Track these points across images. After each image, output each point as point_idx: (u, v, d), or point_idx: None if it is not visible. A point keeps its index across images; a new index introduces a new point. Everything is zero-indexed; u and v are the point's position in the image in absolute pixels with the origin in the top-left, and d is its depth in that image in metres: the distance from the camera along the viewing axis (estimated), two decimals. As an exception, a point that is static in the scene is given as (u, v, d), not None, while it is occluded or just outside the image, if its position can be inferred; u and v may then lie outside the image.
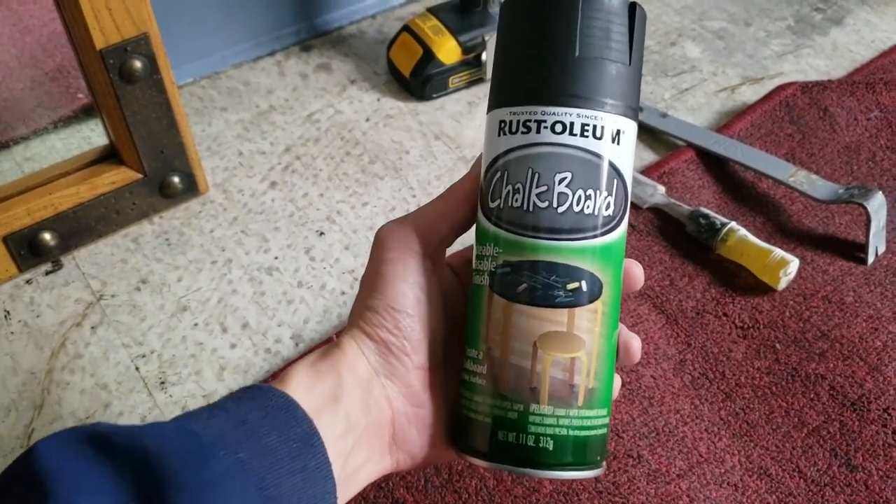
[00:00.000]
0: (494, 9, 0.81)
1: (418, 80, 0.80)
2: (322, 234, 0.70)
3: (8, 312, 0.64)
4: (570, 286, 0.36)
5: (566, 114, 0.36)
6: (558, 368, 0.37)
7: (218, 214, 0.71)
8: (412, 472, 0.53)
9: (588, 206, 0.36)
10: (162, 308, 0.64)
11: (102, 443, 0.31)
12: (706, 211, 0.67)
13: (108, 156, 0.68)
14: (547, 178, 0.36)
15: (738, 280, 0.65)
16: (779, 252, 0.63)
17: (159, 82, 0.63)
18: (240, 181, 0.74)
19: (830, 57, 0.86)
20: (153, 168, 0.68)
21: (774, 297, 0.64)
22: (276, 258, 0.68)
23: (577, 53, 0.36)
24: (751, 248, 0.64)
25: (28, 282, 0.66)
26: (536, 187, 0.36)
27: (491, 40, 0.80)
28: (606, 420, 0.39)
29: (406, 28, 0.81)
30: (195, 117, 0.80)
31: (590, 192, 0.36)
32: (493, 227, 0.38)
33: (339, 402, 0.37)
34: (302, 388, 0.36)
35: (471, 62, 0.80)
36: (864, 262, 0.66)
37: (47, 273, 0.67)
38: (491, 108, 0.39)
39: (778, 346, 0.61)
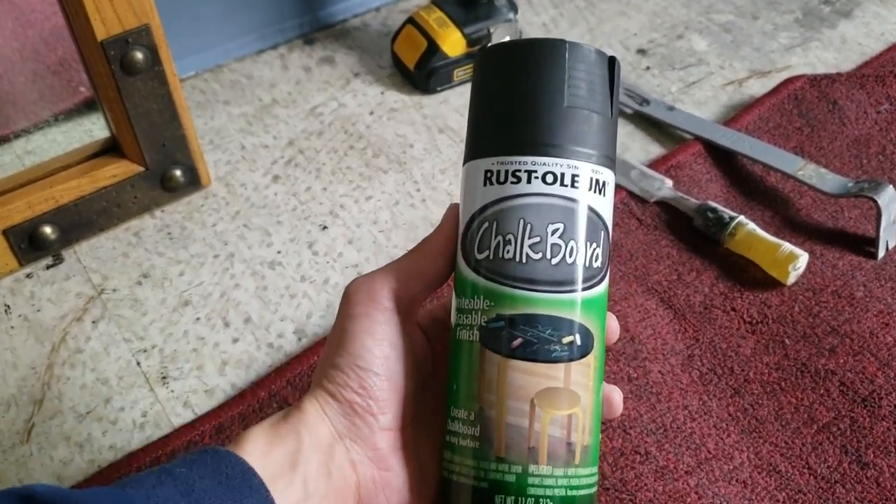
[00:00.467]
0: (500, 0, 0.80)
1: (423, 73, 0.79)
2: (325, 228, 0.69)
3: (8, 307, 0.64)
4: (566, 340, 0.36)
5: (557, 164, 0.36)
6: (556, 426, 0.35)
7: (220, 208, 0.71)
8: None
9: (580, 258, 0.36)
10: (163, 302, 0.64)
11: None
12: (714, 205, 0.66)
13: (110, 149, 0.67)
14: (539, 229, 0.36)
15: (747, 275, 0.64)
16: (788, 246, 0.62)
17: (161, 74, 0.63)
18: (242, 175, 0.73)
19: (839, 50, 0.85)
20: (155, 161, 0.67)
21: (783, 292, 0.63)
22: (279, 252, 0.67)
23: (564, 104, 0.36)
24: (759, 242, 0.64)
25: (29, 276, 0.66)
26: (529, 238, 0.36)
27: (497, 32, 0.79)
28: (596, 478, 0.38)
29: (410, 20, 0.80)
30: (198, 111, 0.79)
31: (581, 243, 0.36)
32: (481, 280, 0.36)
33: (296, 467, 0.35)
34: (258, 452, 0.34)
35: (476, 55, 0.79)
36: (874, 256, 0.65)
37: (48, 267, 0.66)
38: (471, 157, 0.38)
39: (787, 341, 0.60)
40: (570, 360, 0.36)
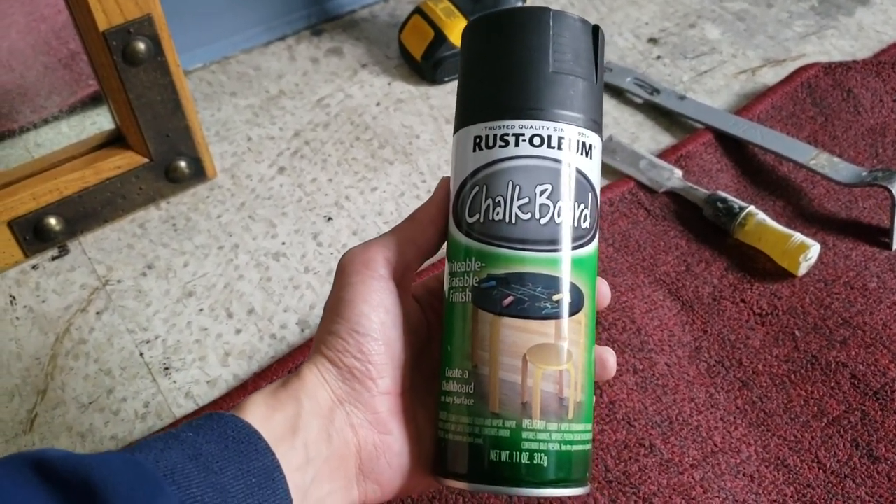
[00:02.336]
0: (507, -10, 0.79)
1: (430, 64, 0.78)
2: (330, 219, 0.69)
3: (13, 298, 0.64)
4: (556, 297, 0.36)
5: (543, 127, 0.37)
6: (549, 382, 0.36)
7: (225, 200, 0.70)
8: None
9: (568, 218, 0.37)
10: (167, 293, 0.64)
11: (47, 472, 0.30)
12: (724, 195, 0.65)
13: (115, 140, 0.67)
14: (528, 190, 0.37)
15: (757, 265, 0.63)
16: (799, 237, 0.61)
17: (164, 64, 0.62)
18: (248, 166, 0.73)
19: (856, 38, 0.83)
20: (159, 152, 0.67)
21: (794, 283, 0.62)
22: (284, 244, 0.67)
23: (550, 69, 0.37)
24: (770, 232, 0.62)
25: (34, 267, 0.66)
26: (518, 199, 0.37)
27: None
28: (591, 435, 0.38)
29: (418, 10, 0.80)
30: (204, 102, 0.79)
31: (569, 203, 0.37)
32: (473, 242, 0.37)
33: (297, 432, 0.35)
34: (260, 417, 0.35)
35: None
36: (888, 246, 0.64)
37: (53, 258, 0.66)
38: (461, 125, 0.39)
39: (797, 333, 0.59)
40: (561, 317, 0.36)
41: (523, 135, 0.37)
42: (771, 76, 0.79)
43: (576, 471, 0.37)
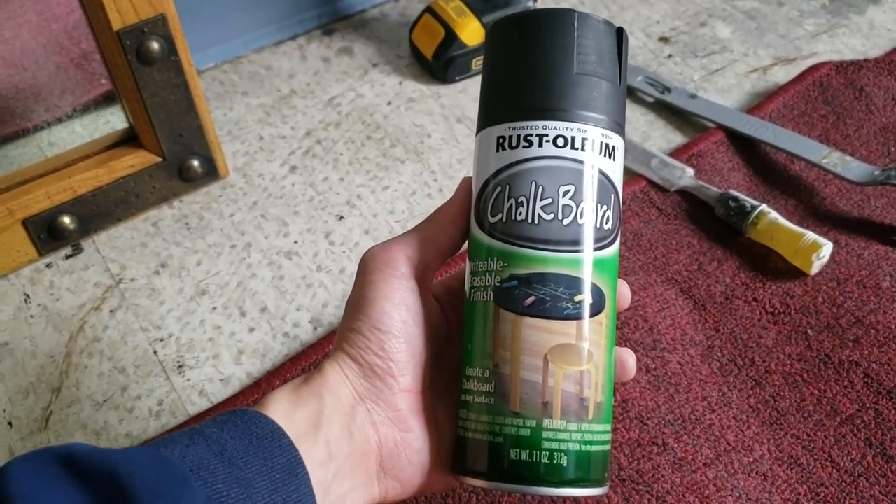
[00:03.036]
0: (518, -11, 0.80)
1: (441, 63, 0.78)
2: (342, 218, 0.69)
3: (28, 296, 0.64)
4: (577, 298, 0.37)
5: (567, 128, 0.37)
6: (569, 382, 0.36)
7: (238, 199, 0.71)
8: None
9: (590, 219, 0.37)
10: (181, 292, 0.64)
11: (75, 466, 0.30)
12: (736, 193, 0.65)
13: (128, 139, 0.68)
14: (551, 190, 0.37)
15: (769, 264, 0.63)
16: (811, 235, 0.61)
17: (177, 64, 0.63)
18: (260, 165, 0.73)
19: (867, 36, 0.83)
20: (172, 152, 0.67)
21: (807, 282, 0.62)
22: (296, 242, 0.67)
23: (574, 70, 0.37)
24: (782, 231, 0.62)
25: (48, 265, 0.66)
26: (541, 200, 0.37)
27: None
28: (610, 436, 0.38)
29: (429, 9, 0.80)
30: (216, 102, 0.79)
31: (592, 204, 0.37)
32: (495, 242, 0.38)
33: (319, 428, 0.35)
34: (282, 414, 0.35)
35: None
36: (901, 245, 0.64)
37: (67, 257, 0.67)
38: (484, 125, 0.39)
39: (810, 332, 0.59)
40: (582, 317, 0.37)
41: (547, 135, 0.37)
42: (782, 75, 0.79)
43: (594, 471, 0.37)
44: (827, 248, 0.61)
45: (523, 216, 0.37)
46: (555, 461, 0.36)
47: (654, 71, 0.80)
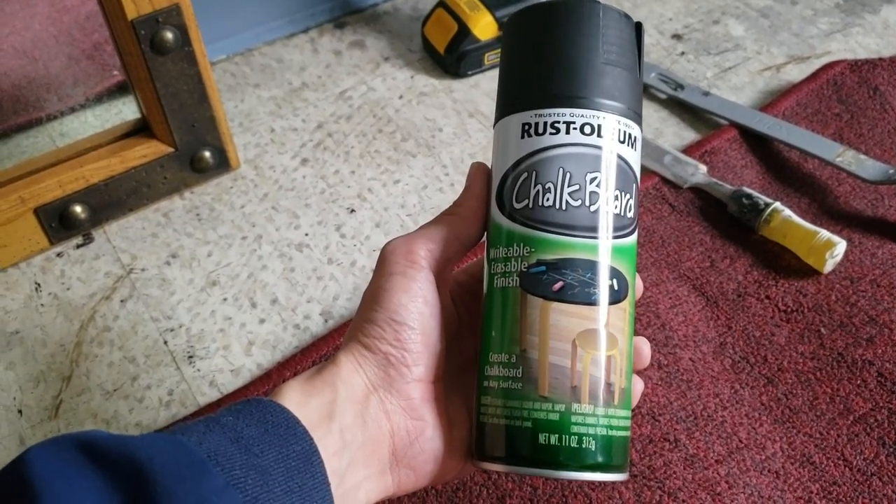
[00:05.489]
0: (532, -16, 0.79)
1: (453, 57, 0.78)
2: (353, 211, 0.69)
3: (38, 285, 0.64)
4: (604, 284, 0.37)
5: (594, 116, 0.37)
6: (597, 366, 0.37)
7: (249, 190, 0.71)
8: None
9: (616, 207, 0.37)
10: (191, 282, 0.64)
11: (95, 452, 0.30)
12: (749, 191, 0.65)
13: (140, 129, 0.68)
14: (578, 177, 0.37)
15: (782, 262, 0.63)
16: (825, 233, 0.61)
17: (191, 54, 0.63)
18: (271, 157, 0.73)
19: (881, 35, 0.83)
20: (184, 142, 0.67)
21: (820, 281, 0.61)
22: (307, 235, 0.67)
23: (601, 59, 0.37)
24: (795, 229, 0.62)
25: (59, 255, 0.66)
26: (568, 186, 0.37)
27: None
28: (630, 422, 0.39)
29: (441, 4, 0.80)
30: (228, 94, 0.79)
31: (617, 192, 0.37)
32: (520, 227, 0.38)
33: (333, 417, 0.36)
34: (296, 403, 0.35)
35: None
36: (915, 245, 0.63)
37: (78, 246, 0.67)
38: (507, 113, 0.39)
39: (823, 330, 0.58)
40: (608, 303, 0.37)
41: (574, 123, 0.37)
42: (795, 73, 0.79)
43: (618, 456, 0.37)
44: (841, 246, 0.61)
45: (550, 202, 0.37)
46: (583, 445, 0.36)
47: (667, 68, 0.79)
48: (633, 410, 0.54)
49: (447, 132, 0.75)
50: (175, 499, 0.29)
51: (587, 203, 0.37)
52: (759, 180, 0.69)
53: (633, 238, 0.39)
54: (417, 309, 0.38)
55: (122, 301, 0.63)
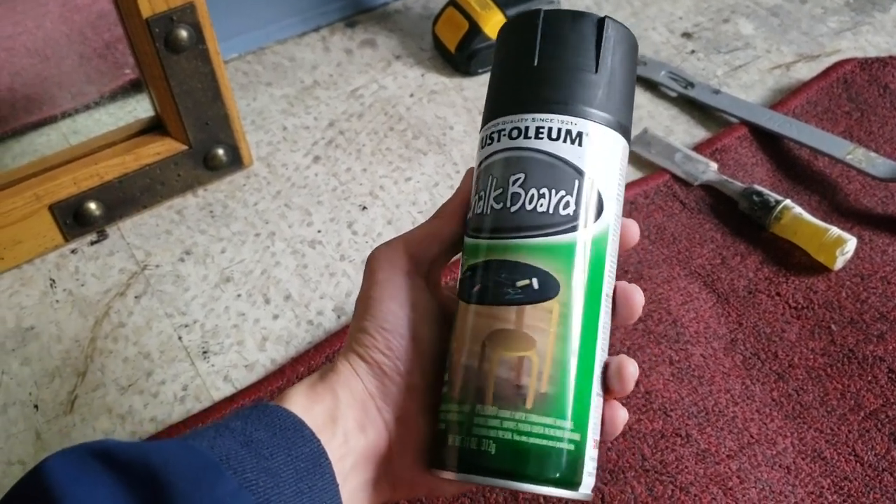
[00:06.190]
0: (542, -18, 0.80)
1: (464, 55, 0.78)
2: (365, 208, 0.69)
3: (53, 281, 0.65)
4: (520, 283, 0.36)
5: (521, 119, 0.37)
6: (505, 367, 0.35)
7: (262, 188, 0.71)
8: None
9: (542, 205, 0.36)
10: (205, 279, 0.64)
11: (110, 459, 0.31)
12: (759, 188, 0.65)
13: (154, 127, 0.68)
14: (502, 181, 0.37)
15: (793, 259, 0.63)
16: (836, 230, 0.61)
17: (205, 53, 0.63)
18: (283, 155, 0.74)
19: (891, 34, 0.83)
20: (198, 140, 0.67)
21: (830, 278, 0.62)
22: (319, 232, 0.68)
23: (535, 63, 0.38)
24: (806, 226, 0.62)
25: (73, 251, 0.67)
26: (494, 191, 0.37)
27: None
28: (570, 435, 0.35)
29: (452, 2, 0.80)
30: (240, 92, 0.79)
31: (543, 190, 0.36)
32: (466, 238, 0.39)
33: (336, 422, 0.36)
34: (301, 408, 0.36)
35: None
36: (925, 242, 0.64)
37: (92, 243, 0.67)
38: (480, 128, 0.41)
39: (834, 327, 0.59)
40: (524, 303, 0.36)
41: (504, 129, 0.38)
42: (805, 71, 0.79)
43: (537, 466, 0.35)
44: (851, 243, 0.61)
45: (480, 209, 0.38)
46: (482, 448, 0.35)
47: (677, 66, 0.80)
48: (644, 405, 0.54)
49: (458, 130, 0.75)
50: (191, 502, 0.30)
51: (508, 204, 0.37)
52: (770, 178, 0.69)
53: (573, 236, 0.36)
54: (406, 315, 0.38)
55: (136, 297, 0.63)
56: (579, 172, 0.37)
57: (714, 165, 0.68)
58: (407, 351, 0.38)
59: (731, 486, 0.51)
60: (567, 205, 0.36)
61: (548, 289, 0.36)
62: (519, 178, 0.37)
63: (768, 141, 0.72)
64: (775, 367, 0.57)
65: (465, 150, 0.73)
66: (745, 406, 0.55)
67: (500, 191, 0.37)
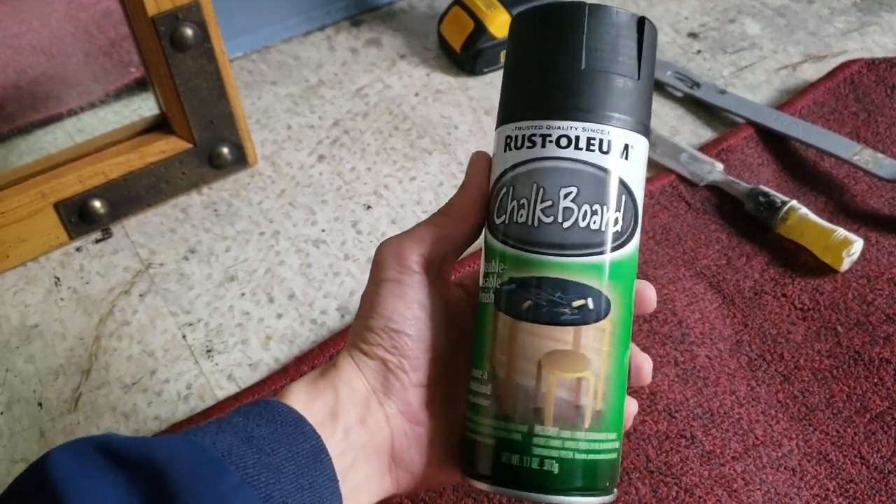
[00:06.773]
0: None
1: (469, 55, 0.78)
2: (369, 207, 0.69)
3: (58, 279, 0.65)
4: (577, 303, 0.35)
5: (571, 127, 0.35)
6: (564, 388, 0.35)
7: (266, 186, 0.71)
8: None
9: (595, 222, 0.35)
10: (209, 277, 0.64)
11: (113, 454, 0.31)
12: (765, 189, 0.65)
13: (159, 125, 0.68)
14: (552, 192, 0.35)
15: (799, 260, 0.63)
16: (842, 232, 0.61)
17: (210, 51, 0.63)
18: (288, 154, 0.74)
19: (898, 35, 0.82)
20: (203, 138, 0.67)
21: (836, 279, 0.61)
22: (324, 231, 0.68)
23: (582, 66, 0.35)
24: (812, 227, 0.62)
25: (78, 249, 0.67)
26: (541, 202, 0.36)
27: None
28: (616, 445, 0.37)
29: (457, 1, 0.80)
30: (245, 91, 0.79)
31: (596, 207, 0.35)
32: (498, 244, 0.37)
33: (337, 418, 0.36)
34: (301, 404, 0.36)
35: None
36: (932, 244, 0.63)
37: (97, 241, 0.67)
38: (499, 124, 0.38)
39: (840, 328, 0.58)
40: (581, 323, 0.35)
41: (549, 136, 0.35)
42: (812, 72, 0.79)
43: (592, 480, 0.36)
44: (858, 244, 0.61)
45: (524, 219, 0.36)
46: (545, 468, 0.35)
47: (683, 66, 0.79)
48: (649, 406, 0.54)
49: (463, 129, 0.75)
50: (195, 497, 0.30)
51: (560, 220, 0.35)
52: (776, 178, 0.69)
53: (623, 253, 0.36)
54: (413, 314, 0.38)
55: (140, 295, 0.63)
56: (626, 188, 0.36)
57: (720, 166, 0.68)
58: (413, 350, 0.38)
59: (736, 487, 0.51)
60: (616, 222, 0.36)
61: (602, 309, 0.36)
62: (571, 193, 0.35)
63: (774, 141, 0.71)
64: (781, 369, 0.57)
65: (469, 150, 0.73)
66: (750, 407, 0.55)
67: (549, 203, 0.35)
